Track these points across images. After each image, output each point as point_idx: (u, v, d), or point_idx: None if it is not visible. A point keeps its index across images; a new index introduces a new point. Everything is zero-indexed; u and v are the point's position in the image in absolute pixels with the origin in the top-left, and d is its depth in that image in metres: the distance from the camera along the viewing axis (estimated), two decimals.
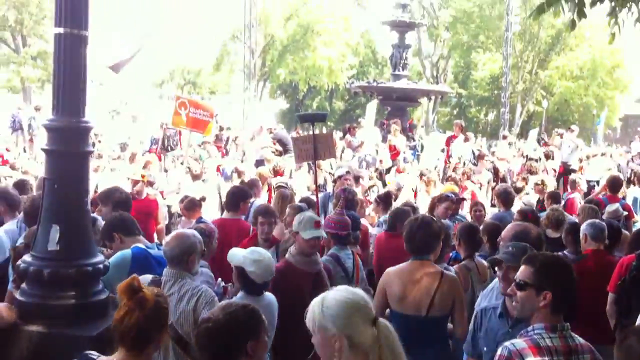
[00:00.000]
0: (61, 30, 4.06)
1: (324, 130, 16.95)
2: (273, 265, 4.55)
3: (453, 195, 8.38)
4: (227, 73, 70.86)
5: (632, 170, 14.23)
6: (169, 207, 11.31)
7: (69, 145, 4.15)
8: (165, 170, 12.94)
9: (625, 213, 9.01)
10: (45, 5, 39.60)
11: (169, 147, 16.16)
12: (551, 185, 11.16)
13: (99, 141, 17.10)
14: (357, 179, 11.22)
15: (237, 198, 7.16)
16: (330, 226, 5.67)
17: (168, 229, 9.82)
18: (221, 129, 21.44)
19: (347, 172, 10.58)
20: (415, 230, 4.76)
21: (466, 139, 16.35)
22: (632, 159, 19.81)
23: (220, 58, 56.99)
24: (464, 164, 15.03)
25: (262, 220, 6.15)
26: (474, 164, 14.94)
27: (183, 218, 8.22)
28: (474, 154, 15.52)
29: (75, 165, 4.19)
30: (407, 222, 5.07)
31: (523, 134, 35.22)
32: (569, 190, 11.90)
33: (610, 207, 8.39)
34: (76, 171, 4.20)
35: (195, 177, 10.53)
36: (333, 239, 5.72)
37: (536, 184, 10.88)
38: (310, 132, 8.05)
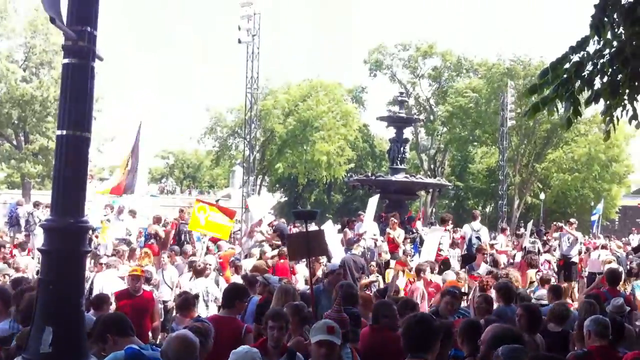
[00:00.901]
0: (64, 132, 4.12)
1: (329, 223, 16.92)
2: None
3: (456, 290, 8.26)
4: (227, 167, 71.76)
5: (637, 263, 14.14)
6: (165, 302, 11.19)
7: (66, 245, 4.12)
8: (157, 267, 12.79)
9: (628, 308, 8.88)
10: (49, 103, 40.46)
11: (184, 242, 16.18)
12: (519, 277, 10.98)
13: (96, 236, 17.06)
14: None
15: (234, 296, 6.89)
16: None
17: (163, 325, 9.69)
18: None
19: (340, 267, 10.44)
20: (412, 327, 4.64)
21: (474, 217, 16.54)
22: (633, 250, 19.73)
23: (220, 153, 57.77)
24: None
25: (271, 325, 5.61)
26: (470, 254, 14.94)
27: (177, 315, 8.08)
28: (471, 246, 15.47)
29: (71, 266, 4.15)
30: (405, 319, 4.96)
31: (522, 226, 35.19)
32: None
33: (616, 302, 8.26)
34: (72, 272, 4.16)
35: (198, 273, 10.35)
36: None
37: (500, 276, 10.70)
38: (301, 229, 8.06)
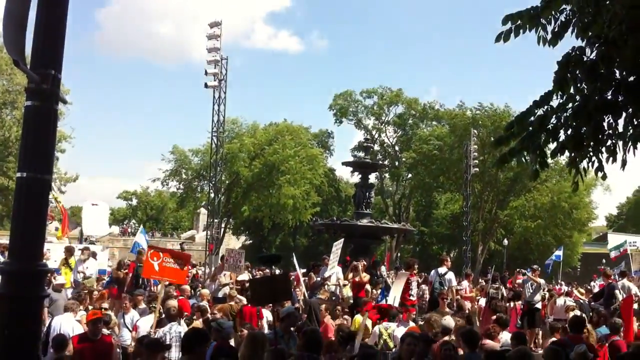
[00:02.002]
0: (24, 174, 4.04)
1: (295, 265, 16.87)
2: None
3: (416, 334, 8.21)
4: (191, 209, 71.28)
5: (596, 311, 14.27)
6: (124, 348, 10.91)
7: (23, 289, 4.00)
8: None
9: (592, 355, 8.91)
10: (10, 143, 39.93)
11: (142, 285, 15.84)
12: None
13: (54, 278, 16.70)
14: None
15: (193, 341, 6.62)
16: None
17: None
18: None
19: (296, 309, 10.28)
20: None
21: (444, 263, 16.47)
22: (593, 297, 19.91)
23: (185, 195, 57.36)
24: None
25: None
26: (434, 299, 14.91)
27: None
28: (434, 291, 15.47)
29: (28, 310, 4.03)
30: None
31: (485, 272, 35.39)
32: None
33: (579, 348, 8.28)
34: (29, 316, 4.03)
35: (172, 318, 10.00)
36: None
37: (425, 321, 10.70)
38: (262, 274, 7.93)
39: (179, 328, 9.27)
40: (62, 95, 4.28)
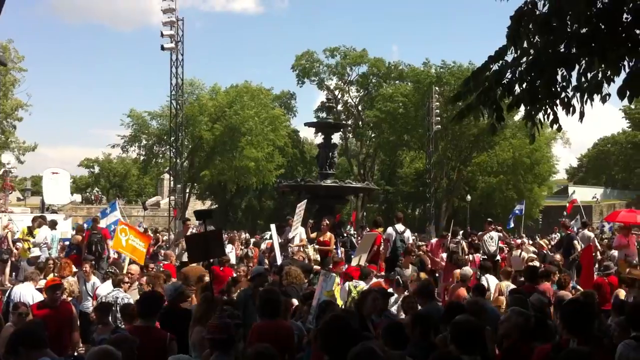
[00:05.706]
0: None
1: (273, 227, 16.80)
2: None
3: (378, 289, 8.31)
4: (155, 175, 70.59)
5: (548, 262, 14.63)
6: (86, 314, 10.83)
7: None
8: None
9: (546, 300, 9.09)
10: None
11: (97, 252, 15.76)
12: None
13: (16, 248, 16.53)
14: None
15: (153, 304, 6.71)
16: (209, 332, 5.35)
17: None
18: (145, 230, 21.04)
19: (266, 269, 10.34)
20: (329, 330, 4.59)
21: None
22: (555, 246, 20.37)
23: (146, 161, 56.64)
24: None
25: None
26: (394, 257, 15.04)
27: (99, 326, 7.83)
28: (396, 249, 15.58)
29: None
30: (321, 322, 4.88)
31: (449, 229, 35.82)
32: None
33: (534, 297, 8.46)
34: None
35: (117, 284, 9.96)
36: (212, 346, 5.36)
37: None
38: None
39: (119, 293, 9.20)
40: (0, 57, 4.16)
